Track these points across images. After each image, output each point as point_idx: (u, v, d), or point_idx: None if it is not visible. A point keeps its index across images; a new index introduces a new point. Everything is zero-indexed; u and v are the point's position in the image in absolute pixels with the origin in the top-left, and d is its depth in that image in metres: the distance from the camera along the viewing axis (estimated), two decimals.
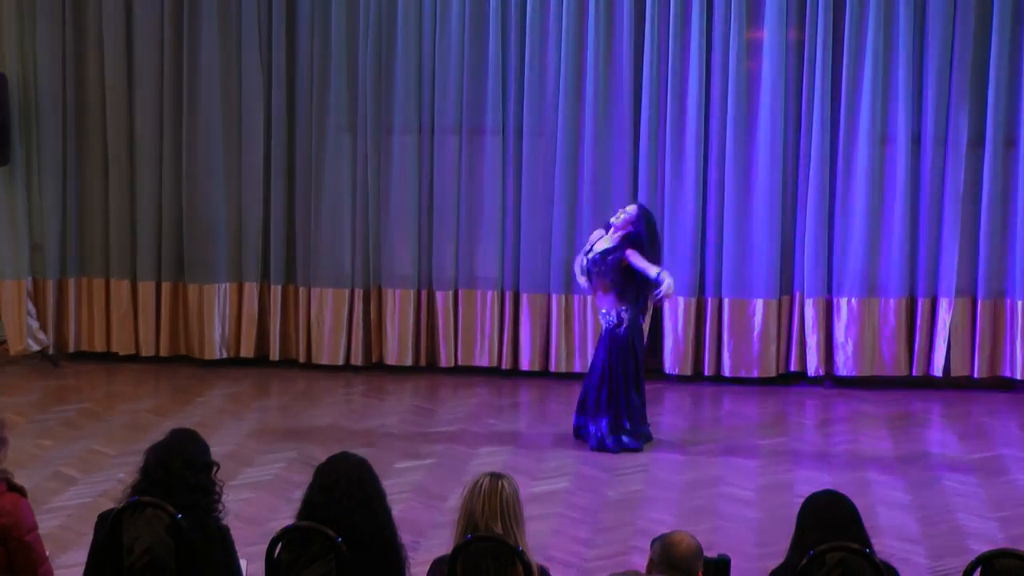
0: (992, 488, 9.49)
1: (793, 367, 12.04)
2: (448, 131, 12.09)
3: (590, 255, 10.04)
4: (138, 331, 12.47)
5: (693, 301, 11.99)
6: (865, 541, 5.51)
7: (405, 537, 5.98)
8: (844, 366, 11.92)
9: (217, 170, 12.23)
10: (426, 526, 8.48)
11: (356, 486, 5.67)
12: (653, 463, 9.96)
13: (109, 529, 5.74)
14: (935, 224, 11.80)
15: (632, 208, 10.10)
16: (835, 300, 11.93)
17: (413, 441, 10.40)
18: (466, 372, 12.17)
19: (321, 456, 5.97)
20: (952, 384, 11.91)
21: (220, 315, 12.36)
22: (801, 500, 5.78)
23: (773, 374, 12.02)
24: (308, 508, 5.69)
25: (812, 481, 9.14)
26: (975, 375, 11.88)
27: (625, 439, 10.13)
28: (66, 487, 9.28)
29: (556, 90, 11.91)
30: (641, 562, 6.01)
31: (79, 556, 6.54)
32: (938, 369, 11.89)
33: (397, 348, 12.24)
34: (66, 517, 8.64)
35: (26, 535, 5.72)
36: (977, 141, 11.69)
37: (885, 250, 11.85)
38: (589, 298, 10.47)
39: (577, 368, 11.89)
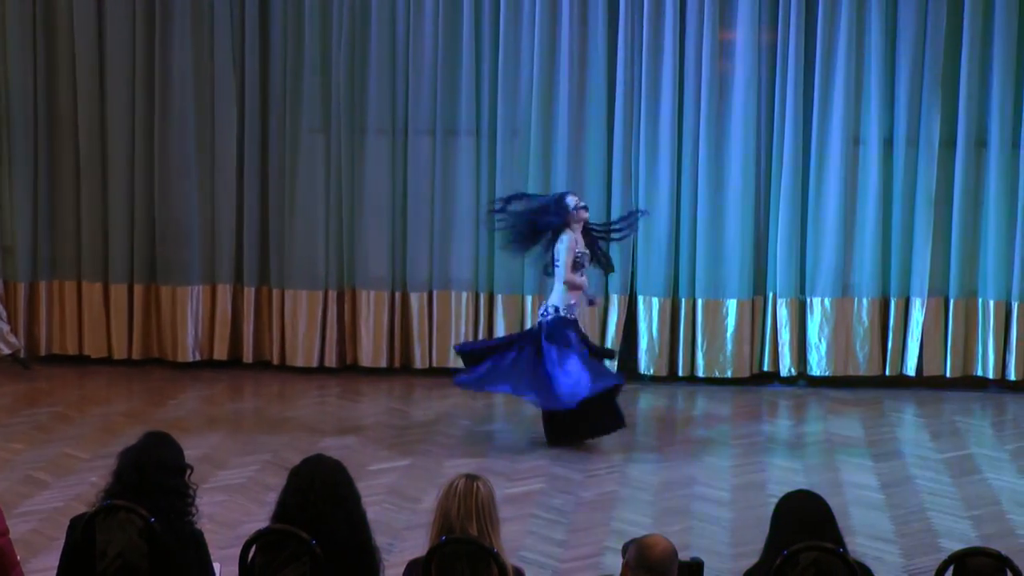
0: (965, 487, 9.52)
1: (767, 367, 12.07)
2: (422, 132, 12.08)
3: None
4: (110, 334, 12.42)
5: (667, 302, 12.01)
6: (839, 540, 5.52)
7: (379, 539, 5.98)
8: (818, 366, 11.96)
9: (190, 172, 12.19)
10: (400, 528, 8.47)
11: (331, 488, 5.66)
12: (627, 464, 9.97)
13: (81, 533, 5.71)
14: (907, 224, 11.84)
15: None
16: (808, 300, 11.96)
17: (387, 443, 10.39)
18: (441, 373, 12.15)
19: (295, 459, 5.96)
20: (925, 383, 11.95)
21: (193, 317, 12.32)
22: (775, 500, 5.79)
23: (747, 374, 12.04)
24: (283, 511, 5.68)
25: (786, 481, 9.17)
26: (948, 374, 11.93)
27: None
28: (38, 491, 9.23)
29: (530, 91, 11.92)
30: (615, 563, 6.01)
31: (51, 560, 6.52)
32: (911, 369, 11.93)
33: (371, 350, 12.23)
34: (38, 521, 8.59)
35: None
36: (948, 142, 11.74)
37: (858, 250, 11.89)
38: None
39: None
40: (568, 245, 10.20)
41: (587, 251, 10.28)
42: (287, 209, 12.16)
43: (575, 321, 10.27)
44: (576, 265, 10.19)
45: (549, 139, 11.94)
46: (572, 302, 10.24)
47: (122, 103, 12.18)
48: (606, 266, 10.74)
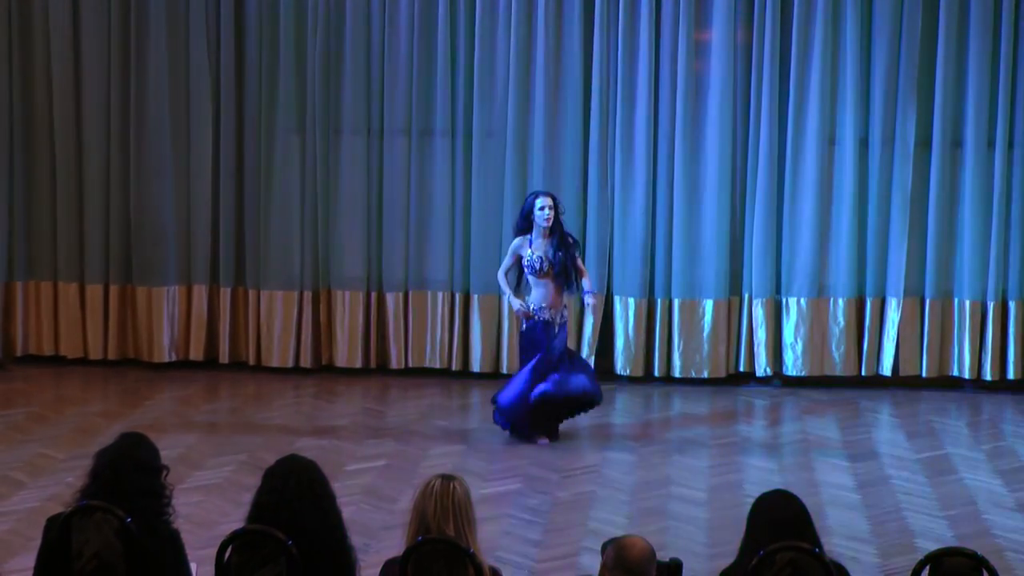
0: (940, 487, 9.55)
1: (742, 367, 12.09)
2: (398, 132, 12.07)
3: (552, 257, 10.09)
4: (86, 334, 12.39)
5: (643, 302, 12.02)
6: (815, 541, 5.53)
7: (355, 539, 5.98)
8: (793, 366, 11.98)
9: (165, 172, 12.16)
10: (377, 528, 8.46)
11: (306, 488, 5.66)
12: (604, 464, 9.98)
13: (58, 533, 5.69)
14: (883, 224, 11.88)
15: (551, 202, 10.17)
16: (784, 300, 11.99)
17: (363, 443, 10.38)
18: (417, 374, 12.16)
19: (271, 459, 5.94)
20: (901, 383, 11.99)
21: (169, 318, 12.29)
22: (751, 500, 5.80)
23: (723, 374, 12.06)
24: (258, 511, 5.67)
25: (762, 481, 9.18)
26: (923, 374, 11.96)
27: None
28: (14, 491, 9.20)
29: (506, 91, 11.92)
30: (592, 563, 6.01)
31: (27, 561, 6.50)
32: (887, 369, 11.97)
33: (347, 350, 12.22)
34: (14, 522, 8.57)
35: None
36: (924, 142, 11.78)
37: (834, 250, 11.92)
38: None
39: None
40: (510, 247, 10.28)
41: (542, 255, 10.09)
42: (263, 209, 12.14)
43: (537, 324, 10.20)
44: (539, 271, 10.11)
45: (524, 139, 11.94)
46: (529, 304, 10.24)
47: (98, 103, 12.14)
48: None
